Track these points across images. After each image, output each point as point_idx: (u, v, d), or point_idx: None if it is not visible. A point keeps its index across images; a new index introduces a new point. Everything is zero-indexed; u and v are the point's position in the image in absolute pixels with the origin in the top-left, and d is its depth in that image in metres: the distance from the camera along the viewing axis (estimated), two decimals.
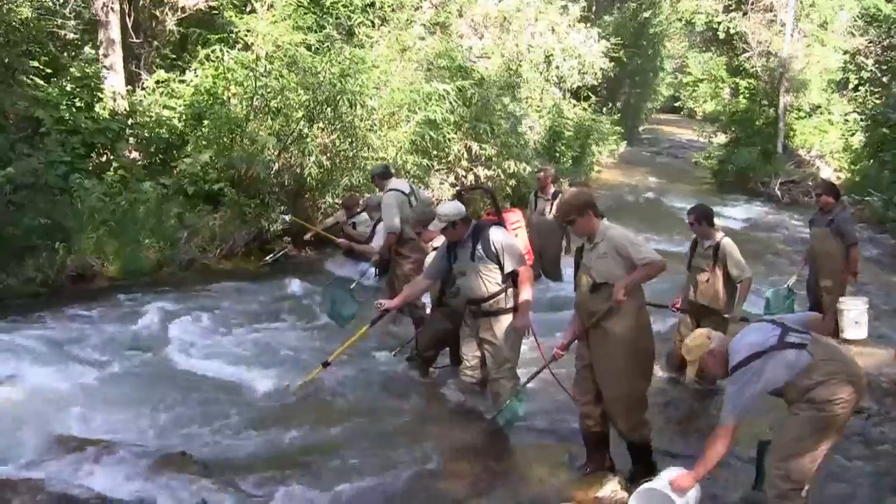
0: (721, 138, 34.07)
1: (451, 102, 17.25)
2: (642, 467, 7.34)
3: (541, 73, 25.47)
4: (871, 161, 22.97)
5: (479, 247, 8.08)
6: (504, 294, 8.13)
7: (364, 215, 13.89)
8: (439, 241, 9.26)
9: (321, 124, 14.95)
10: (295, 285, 13.37)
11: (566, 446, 8.15)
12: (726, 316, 9.51)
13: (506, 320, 8.17)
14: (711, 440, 6.03)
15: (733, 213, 24.60)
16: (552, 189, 13.83)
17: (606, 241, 6.86)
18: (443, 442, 8.02)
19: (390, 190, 11.46)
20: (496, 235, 8.13)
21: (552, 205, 13.45)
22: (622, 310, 6.80)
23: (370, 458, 7.61)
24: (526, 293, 8.13)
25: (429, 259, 9.43)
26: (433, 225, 8.39)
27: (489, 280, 8.07)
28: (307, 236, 14.72)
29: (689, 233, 10.43)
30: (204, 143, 14.22)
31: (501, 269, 8.09)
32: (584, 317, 7.07)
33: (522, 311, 8.11)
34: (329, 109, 14.69)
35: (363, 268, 12.70)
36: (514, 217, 9.11)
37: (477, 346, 8.38)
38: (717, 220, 10.20)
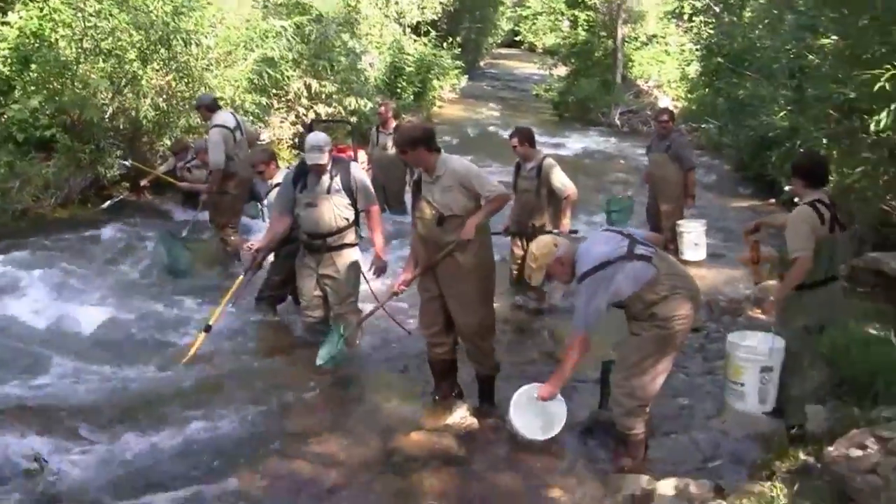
0: (561, 70, 34.28)
1: (288, 39, 16.98)
2: (488, 396, 7.59)
3: (380, 8, 25.25)
4: (707, 90, 23.46)
5: (337, 179, 8.13)
6: (349, 229, 8.17)
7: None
8: (280, 176, 9.25)
9: (155, 65, 14.53)
10: (134, 231, 13.16)
11: (413, 376, 8.36)
12: (555, 232, 9.74)
13: (348, 255, 8.31)
14: (566, 350, 6.26)
15: (574, 144, 24.83)
16: (393, 123, 13.86)
17: (449, 173, 6.90)
18: (290, 380, 8.09)
19: (215, 126, 11.43)
20: (356, 171, 8.30)
21: (393, 139, 13.49)
22: (471, 241, 6.87)
23: (216, 400, 7.62)
24: (380, 231, 8.34)
25: (272, 197, 9.32)
26: (314, 157, 8.10)
27: (339, 215, 8.16)
28: (145, 181, 14.40)
29: None
30: (32, 88, 13.65)
31: (354, 205, 8.18)
32: (430, 249, 7.09)
33: (381, 249, 8.29)
34: (163, 49, 14.28)
35: (194, 215, 12.75)
36: (361, 156, 9.15)
37: (316, 283, 8.39)
38: (559, 151, 10.44)
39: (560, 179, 10.11)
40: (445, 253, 6.95)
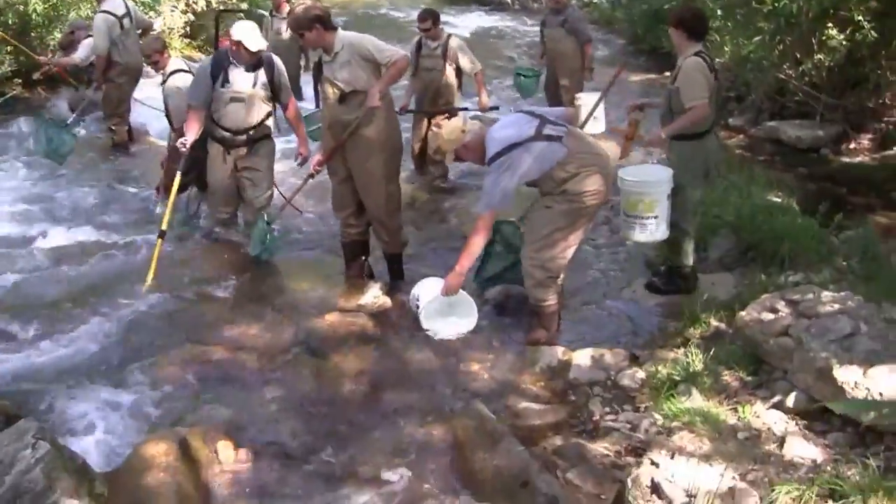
0: None
1: None
2: (398, 275, 7.73)
3: None
4: None
5: (261, 72, 8.02)
6: (267, 120, 8.20)
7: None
8: (174, 65, 9.13)
9: None
10: (27, 126, 12.57)
11: (323, 260, 8.44)
12: (471, 110, 10.12)
13: (267, 146, 8.33)
14: (472, 231, 6.27)
15: (466, 23, 24.57)
16: (286, 8, 13.62)
17: (347, 48, 6.86)
18: (202, 272, 8.08)
19: (100, 12, 11.27)
20: (280, 64, 8.15)
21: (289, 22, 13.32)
22: (375, 114, 6.91)
23: (131, 292, 7.60)
24: (301, 123, 8.40)
25: (172, 87, 9.16)
26: (255, 45, 7.84)
27: (262, 108, 8.08)
28: (36, 75, 14.01)
29: None
30: None
31: (274, 98, 8.17)
32: (336, 129, 7.09)
33: (305, 139, 8.35)
34: None
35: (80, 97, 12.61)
36: None
37: (230, 177, 8.34)
38: (452, 31, 10.48)
39: (469, 56, 10.25)
40: (351, 129, 6.94)
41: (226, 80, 7.94)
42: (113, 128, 11.92)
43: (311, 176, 7.67)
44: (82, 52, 12.20)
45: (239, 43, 7.77)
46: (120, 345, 6.67)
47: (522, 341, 6.60)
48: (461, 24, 23.81)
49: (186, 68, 9.36)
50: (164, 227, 7.94)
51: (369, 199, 7.26)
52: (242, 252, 8.40)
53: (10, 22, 13.63)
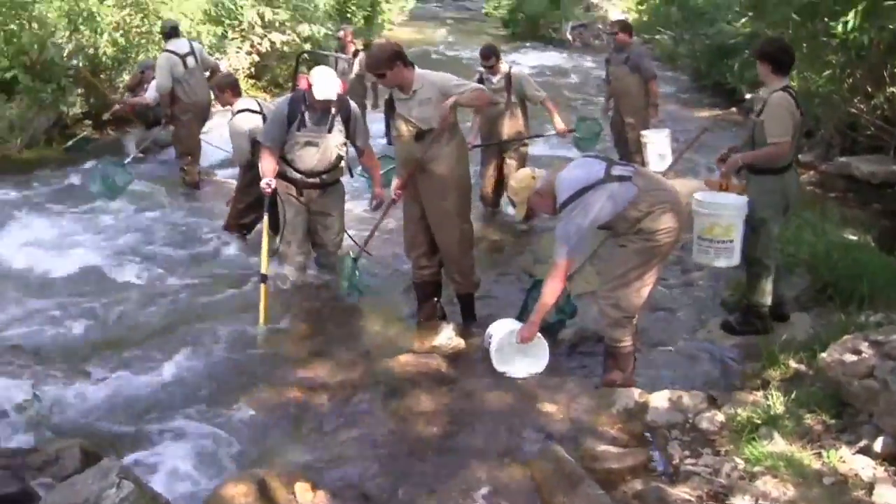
0: None
1: None
2: (470, 315, 7.71)
3: None
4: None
5: (339, 118, 8.03)
6: (340, 163, 8.20)
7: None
8: (242, 104, 9.21)
9: (111, 1, 14.33)
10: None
11: (394, 299, 8.47)
12: (551, 134, 10.66)
13: (339, 189, 8.41)
14: (547, 279, 6.20)
15: (527, 61, 24.58)
16: (352, 48, 13.81)
17: (427, 86, 6.87)
18: (276, 313, 8.03)
19: (164, 51, 11.54)
20: (356, 108, 8.19)
21: (353, 64, 13.52)
22: (445, 151, 6.95)
23: (204, 334, 7.64)
24: (378, 166, 8.43)
25: (244, 124, 9.17)
26: (325, 93, 7.69)
27: (336, 152, 8.09)
28: (107, 115, 14.24)
29: None
30: None
31: (352, 142, 8.18)
32: (410, 167, 7.08)
33: (380, 183, 8.31)
34: None
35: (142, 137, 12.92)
36: None
37: (304, 220, 8.35)
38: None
39: (533, 85, 10.41)
40: (423, 164, 6.95)
41: (302, 124, 7.94)
42: (185, 168, 12.08)
43: (394, 201, 7.55)
44: (151, 93, 12.48)
45: (311, 86, 7.75)
46: (197, 385, 6.69)
47: (598, 383, 6.51)
48: (523, 62, 23.84)
49: (255, 108, 9.37)
50: (263, 270, 7.86)
51: (442, 238, 7.25)
52: (316, 294, 8.43)
53: (80, 64, 13.86)
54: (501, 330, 6.64)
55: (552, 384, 6.52)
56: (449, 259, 7.41)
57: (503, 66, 10.42)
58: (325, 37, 19.66)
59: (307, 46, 19.00)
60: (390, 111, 7.17)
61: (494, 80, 10.29)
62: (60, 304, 8.29)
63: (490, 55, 10.36)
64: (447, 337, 7.31)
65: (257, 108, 9.33)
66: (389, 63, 6.81)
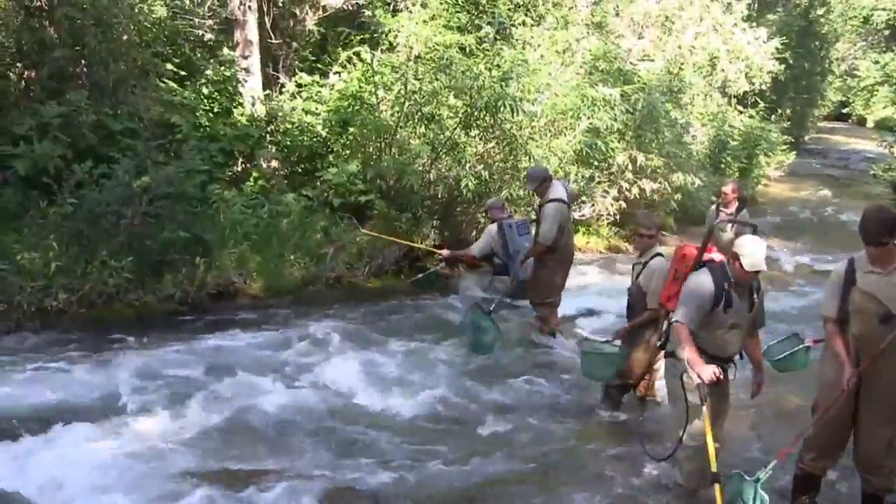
0: None
1: (617, 109, 15.89)
2: None
3: (704, 76, 23.93)
4: None
5: (754, 297, 6.83)
6: None
7: None
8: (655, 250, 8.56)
9: (477, 132, 13.96)
10: (446, 307, 12.62)
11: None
12: None
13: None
14: None
15: None
16: (735, 204, 12.38)
17: None
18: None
19: (553, 201, 10.70)
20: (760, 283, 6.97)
21: (734, 223, 11.93)
22: None
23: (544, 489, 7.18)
24: (761, 355, 7.37)
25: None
26: (757, 265, 6.43)
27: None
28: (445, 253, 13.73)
29: None
30: (349, 151, 13.43)
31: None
32: (866, 350, 6.10)
33: (762, 369, 7.18)
34: (487, 116, 13.64)
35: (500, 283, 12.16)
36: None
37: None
38: None
39: None
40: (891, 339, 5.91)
41: (728, 304, 6.62)
42: (543, 317, 11.25)
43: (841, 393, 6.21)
44: (480, 244, 12.10)
45: (738, 258, 6.47)
46: None
47: None
48: None
49: (663, 253, 8.53)
50: (714, 468, 6.31)
51: (879, 434, 6.26)
52: None
53: (439, 196, 13.47)
54: None
55: None
56: (876, 456, 6.33)
57: None
58: (697, 188, 18.91)
59: (678, 196, 18.08)
60: (851, 281, 6.19)
61: None
62: (397, 444, 8.02)
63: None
64: None
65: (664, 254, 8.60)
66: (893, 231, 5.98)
